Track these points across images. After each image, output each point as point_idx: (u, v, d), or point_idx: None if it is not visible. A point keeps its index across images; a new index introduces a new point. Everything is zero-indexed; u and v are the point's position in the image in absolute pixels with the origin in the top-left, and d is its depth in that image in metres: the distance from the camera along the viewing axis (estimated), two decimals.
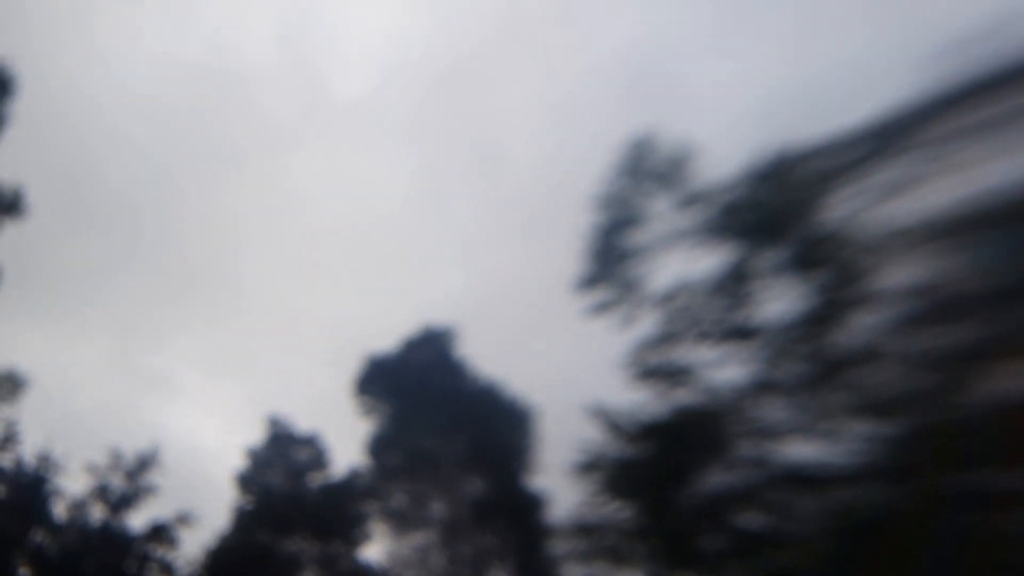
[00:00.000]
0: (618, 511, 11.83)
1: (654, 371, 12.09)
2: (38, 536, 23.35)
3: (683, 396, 10.65)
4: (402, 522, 22.73)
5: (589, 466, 12.76)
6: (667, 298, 12.33)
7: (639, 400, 12.73)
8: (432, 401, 24.38)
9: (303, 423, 29.31)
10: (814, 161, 9.23)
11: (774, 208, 9.53)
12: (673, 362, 11.44)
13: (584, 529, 12.28)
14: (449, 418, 23.58)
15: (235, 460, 28.81)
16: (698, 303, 10.82)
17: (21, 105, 24.21)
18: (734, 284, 10.02)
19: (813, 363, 8.86)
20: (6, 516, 22.93)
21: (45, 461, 23.64)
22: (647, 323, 13.45)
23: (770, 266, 9.58)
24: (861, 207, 8.59)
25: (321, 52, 67.01)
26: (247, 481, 27.84)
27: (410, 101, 67.53)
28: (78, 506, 23.74)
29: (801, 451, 8.92)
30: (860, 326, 8.58)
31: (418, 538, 22.04)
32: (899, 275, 8.12)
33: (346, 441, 28.75)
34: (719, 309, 10.27)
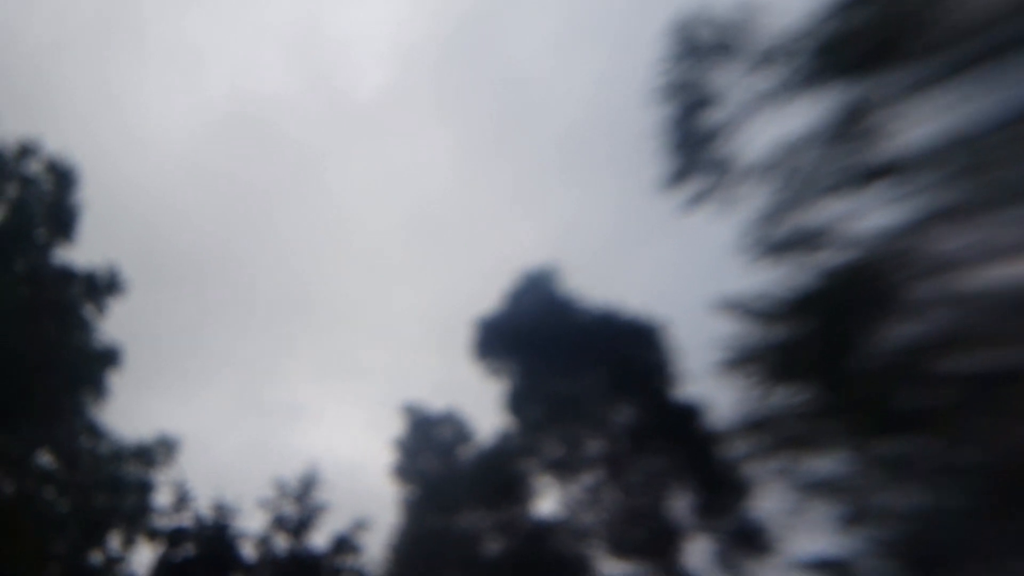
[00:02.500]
0: (790, 396, 11.13)
1: (783, 243, 11.21)
2: None
3: (829, 257, 9.78)
4: (563, 469, 22.64)
5: (740, 360, 12.09)
6: (774, 164, 11.35)
7: (771, 280, 11.92)
8: (554, 343, 24.05)
9: (435, 404, 29.75)
10: None
11: (891, 22, 8.37)
12: (804, 226, 10.54)
13: (757, 424, 11.66)
14: (577, 355, 23.22)
15: (384, 457, 29.48)
16: (815, 157, 9.84)
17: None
18: (855, 123, 8.98)
19: (1010, 171, 7.74)
20: (201, 570, 24.24)
21: (221, 509, 24.81)
22: (756, 198, 12.54)
23: (903, 88, 8.48)
24: None
25: (333, 62, 67.00)
26: (403, 472, 28.45)
27: (434, 77, 66.87)
28: (262, 542, 24.87)
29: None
30: None
31: (585, 480, 21.93)
32: None
33: (482, 410, 28.95)
34: (844, 154, 9.28)
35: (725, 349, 12.71)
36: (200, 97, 62.75)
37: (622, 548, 19.56)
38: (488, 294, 28.00)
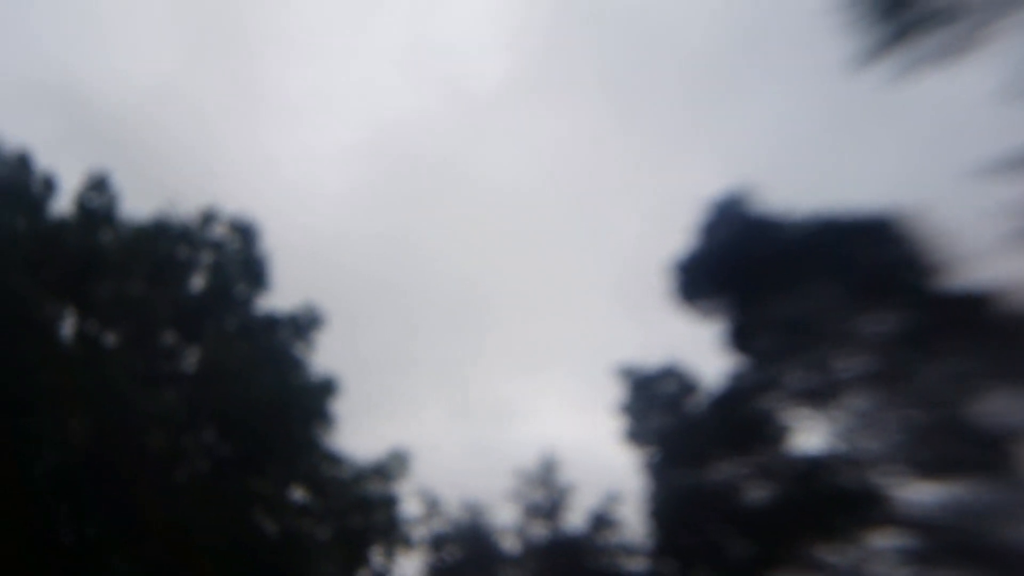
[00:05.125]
0: None
1: None
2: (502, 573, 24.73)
3: None
4: (819, 397, 20.52)
5: None
6: None
7: None
8: (768, 265, 21.92)
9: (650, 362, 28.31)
10: None
11: None
12: None
13: None
14: (799, 272, 21.01)
15: (611, 426, 28.40)
16: None
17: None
18: None
19: None
20: (470, 570, 24.47)
21: (472, 509, 24.93)
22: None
23: None
24: None
25: (452, 65, 67.20)
26: (636, 436, 27.34)
27: (554, 44, 65.47)
28: (520, 532, 24.77)
29: None
30: None
31: (853, 403, 19.72)
32: None
33: (700, 356, 27.15)
34: None
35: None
36: (340, 135, 65.30)
37: (931, 468, 17.34)
38: (672, 241, 26.14)
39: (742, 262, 22.73)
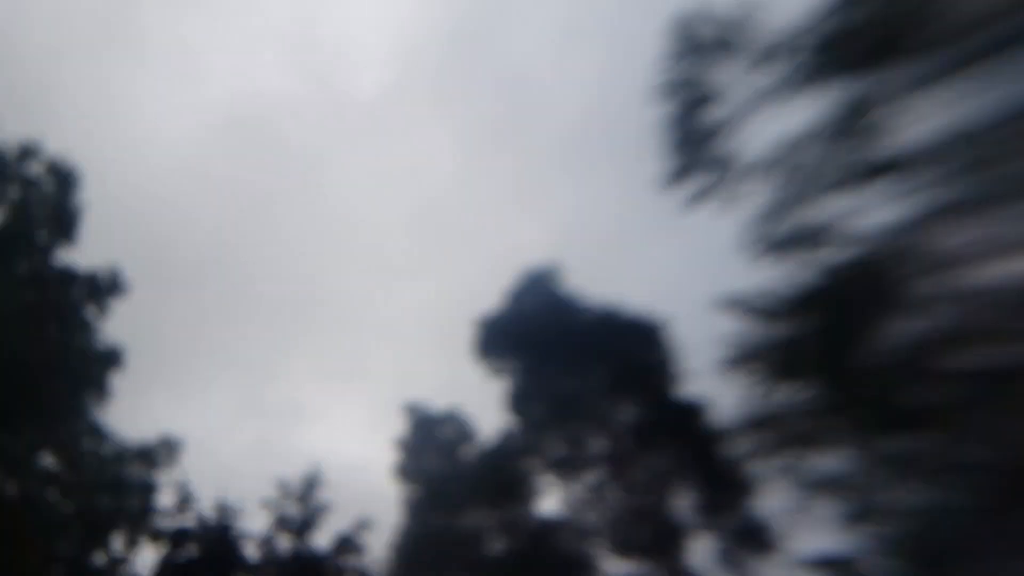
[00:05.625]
0: (793, 394, 11.11)
1: (786, 240, 11.20)
2: None
3: (832, 254, 9.76)
4: (566, 468, 22.58)
5: (744, 358, 12.08)
6: (776, 160, 11.34)
7: (774, 277, 11.96)
8: (556, 342, 24.02)
9: (438, 403, 29.65)
10: None
11: (892, 19, 8.33)
12: (807, 223, 10.52)
13: (760, 422, 11.65)
14: (579, 354, 23.18)
15: (386, 456, 29.32)
16: (817, 153, 9.83)
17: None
18: (858, 119, 8.95)
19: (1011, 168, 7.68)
20: (204, 570, 24.20)
21: (223, 510, 24.77)
22: (759, 195, 12.58)
23: (904, 84, 8.42)
24: None
25: (332, 63, 67.10)
26: (405, 471, 28.42)
27: (434, 75, 66.94)
28: (265, 542, 24.84)
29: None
30: None
31: (588, 479, 21.86)
32: None
33: (484, 409, 28.83)
34: (847, 151, 9.25)
35: (728, 346, 12.70)
36: (199, 99, 62.83)
37: (625, 547, 19.51)
38: (490, 292, 27.92)
39: (535, 333, 24.76)
